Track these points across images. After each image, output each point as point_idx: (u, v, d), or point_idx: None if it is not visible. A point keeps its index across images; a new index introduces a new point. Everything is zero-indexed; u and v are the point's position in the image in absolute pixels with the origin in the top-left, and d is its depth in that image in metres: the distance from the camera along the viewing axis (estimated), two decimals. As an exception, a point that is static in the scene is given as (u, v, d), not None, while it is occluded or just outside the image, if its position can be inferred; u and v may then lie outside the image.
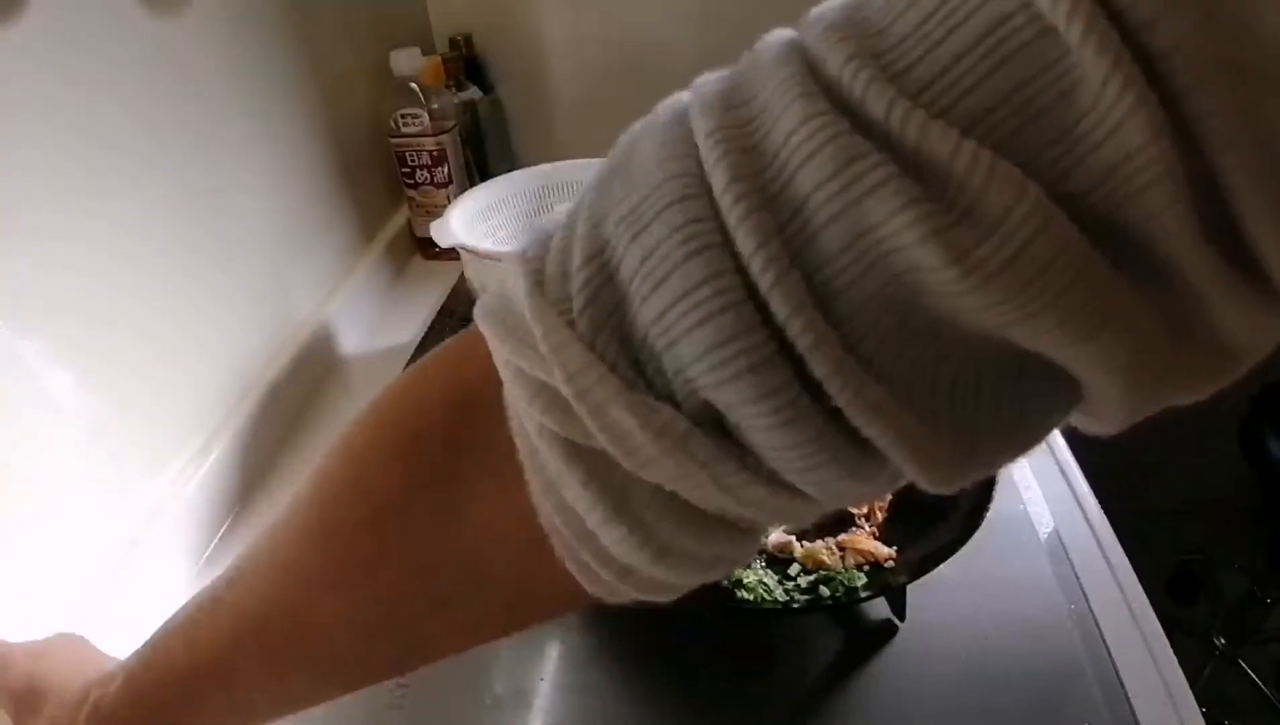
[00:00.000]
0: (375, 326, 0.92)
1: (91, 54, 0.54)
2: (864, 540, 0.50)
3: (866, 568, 0.49)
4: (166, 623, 0.29)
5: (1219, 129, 0.14)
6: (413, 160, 0.95)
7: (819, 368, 0.16)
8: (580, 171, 0.86)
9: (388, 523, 0.23)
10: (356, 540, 0.24)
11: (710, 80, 0.20)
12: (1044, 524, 0.57)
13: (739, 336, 0.17)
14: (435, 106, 0.92)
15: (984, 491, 0.48)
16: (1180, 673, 0.47)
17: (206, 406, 0.66)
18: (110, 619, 0.52)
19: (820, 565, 0.49)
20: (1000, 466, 0.20)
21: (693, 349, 0.17)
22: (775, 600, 0.46)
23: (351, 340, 0.88)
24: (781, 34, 0.19)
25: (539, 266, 0.20)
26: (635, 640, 0.52)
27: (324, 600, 0.25)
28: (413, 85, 0.91)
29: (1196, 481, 1.22)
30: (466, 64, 1.12)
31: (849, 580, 0.47)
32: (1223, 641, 1.18)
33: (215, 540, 0.63)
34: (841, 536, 0.51)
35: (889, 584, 0.48)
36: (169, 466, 0.61)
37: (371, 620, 0.25)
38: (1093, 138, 0.14)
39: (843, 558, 0.49)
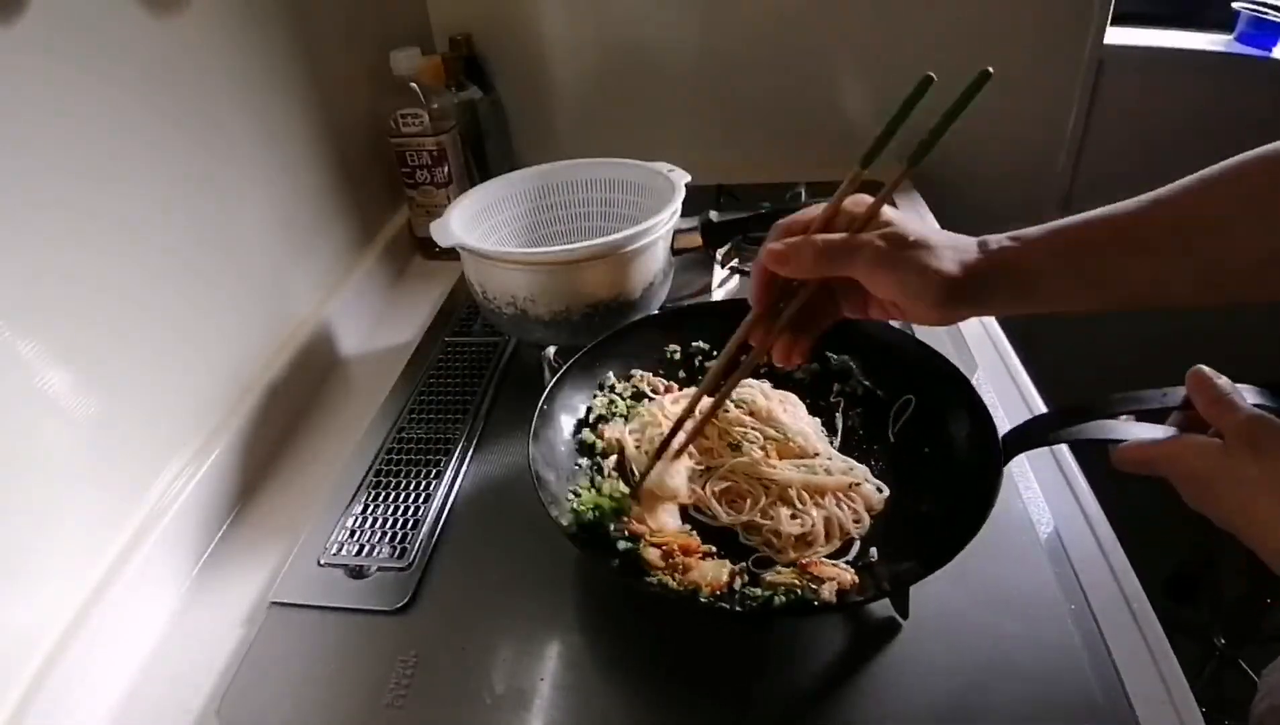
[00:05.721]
0: (375, 326, 0.92)
1: (90, 54, 0.54)
2: (825, 565, 0.50)
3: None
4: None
5: None
6: (413, 160, 0.95)
7: None
8: (580, 171, 0.86)
9: None
10: None
11: None
12: (1044, 524, 0.57)
13: None
14: (435, 106, 0.92)
15: (984, 502, 0.47)
16: (1180, 673, 0.47)
17: (206, 406, 0.66)
18: (111, 618, 0.52)
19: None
20: None
21: None
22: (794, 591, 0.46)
23: (351, 340, 0.88)
24: None
25: None
26: (635, 640, 0.52)
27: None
28: (413, 85, 0.91)
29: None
30: (466, 64, 1.12)
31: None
32: (1223, 641, 1.18)
33: (215, 540, 0.63)
34: (804, 560, 0.50)
35: (882, 589, 0.48)
36: (169, 466, 0.61)
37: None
38: None
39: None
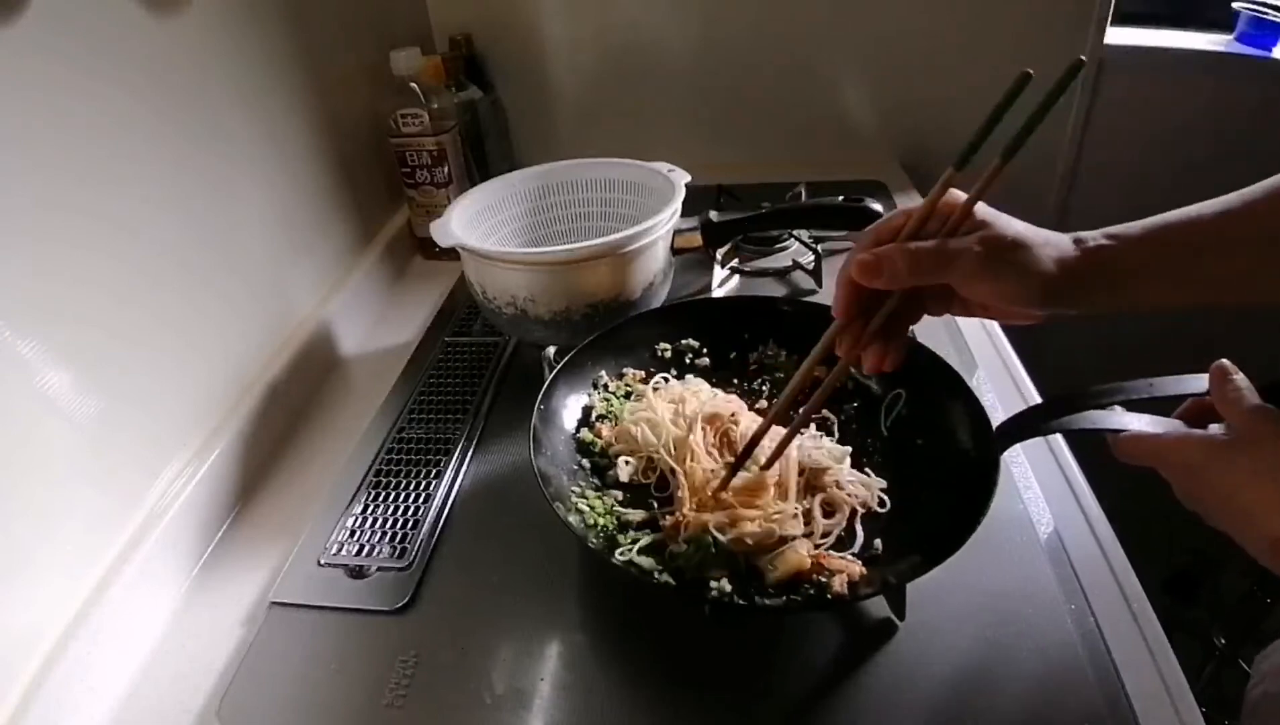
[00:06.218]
0: (375, 326, 0.92)
1: (90, 54, 0.54)
2: (834, 559, 0.50)
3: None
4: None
5: None
6: (413, 160, 0.95)
7: None
8: (580, 171, 0.86)
9: None
10: None
11: None
12: (1044, 524, 0.57)
13: None
14: (435, 106, 0.92)
15: (984, 489, 0.48)
16: (1180, 673, 0.47)
17: (206, 406, 0.66)
18: (111, 618, 0.52)
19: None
20: None
21: None
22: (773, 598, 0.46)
23: (351, 340, 0.88)
24: None
25: None
26: (635, 640, 0.52)
27: None
28: (413, 85, 0.91)
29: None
30: (466, 64, 1.12)
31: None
32: (1223, 641, 1.18)
33: (215, 540, 0.63)
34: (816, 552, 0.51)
35: (888, 583, 0.49)
36: (169, 466, 0.61)
37: None
38: None
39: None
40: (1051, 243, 0.43)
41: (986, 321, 0.83)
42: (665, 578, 0.49)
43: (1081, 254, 0.42)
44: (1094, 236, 0.43)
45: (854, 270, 0.44)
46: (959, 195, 0.43)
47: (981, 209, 0.43)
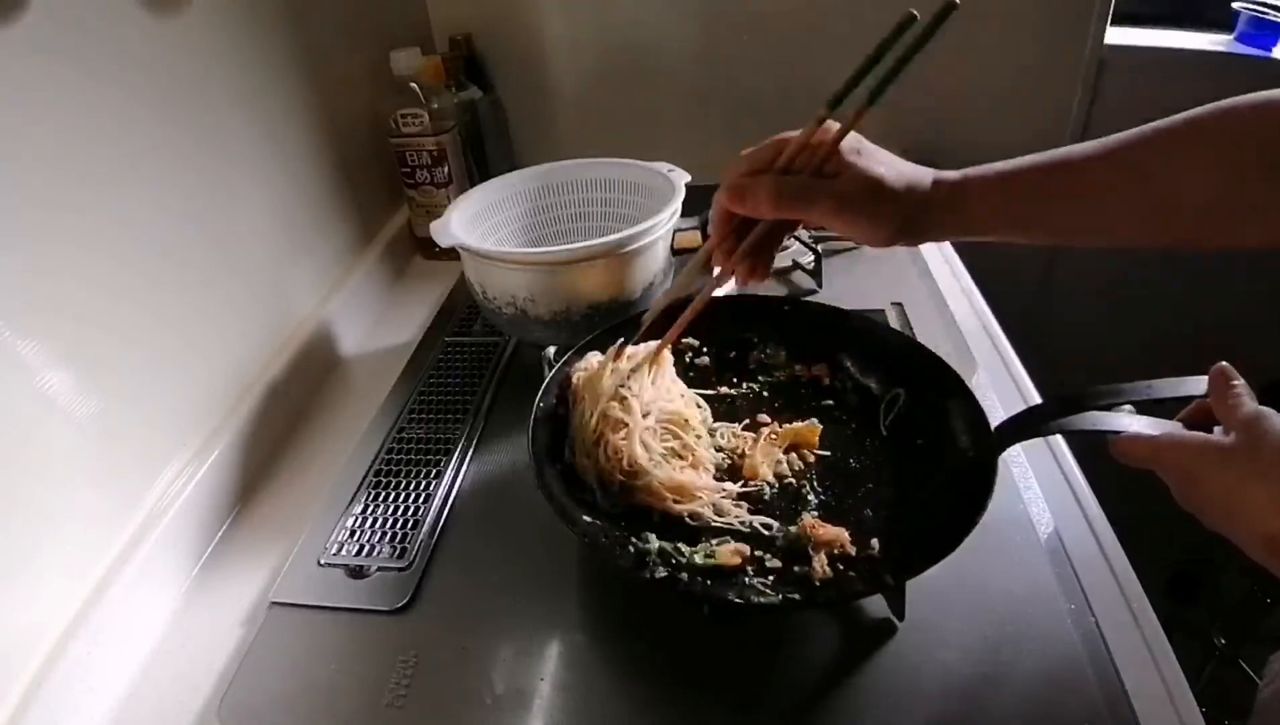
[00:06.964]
0: (375, 326, 0.92)
1: (91, 54, 0.54)
2: (819, 526, 0.51)
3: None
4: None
5: None
6: (413, 160, 0.95)
7: None
8: (580, 171, 0.86)
9: None
10: None
11: None
12: (1044, 524, 0.57)
13: None
14: (435, 106, 0.92)
15: (982, 488, 0.48)
16: (1180, 673, 0.47)
17: (206, 406, 0.66)
18: (111, 618, 0.52)
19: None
20: None
21: None
22: (771, 598, 0.46)
23: (351, 340, 0.88)
24: None
25: None
26: (635, 640, 0.52)
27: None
28: (413, 85, 0.91)
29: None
30: (466, 64, 1.12)
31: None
32: (1223, 641, 1.18)
33: (215, 540, 0.63)
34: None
35: (886, 583, 0.49)
36: (169, 466, 0.61)
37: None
38: None
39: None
40: (912, 184, 0.47)
41: (986, 323, 0.83)
42: (664, 576, 0.49)
43: (935, 193, 0.47)
44: (951, 178, 0.47)
45: (724, 196, 0.48)
46: (834, 126, 0.46)
47: (854, 141, 0.46)
